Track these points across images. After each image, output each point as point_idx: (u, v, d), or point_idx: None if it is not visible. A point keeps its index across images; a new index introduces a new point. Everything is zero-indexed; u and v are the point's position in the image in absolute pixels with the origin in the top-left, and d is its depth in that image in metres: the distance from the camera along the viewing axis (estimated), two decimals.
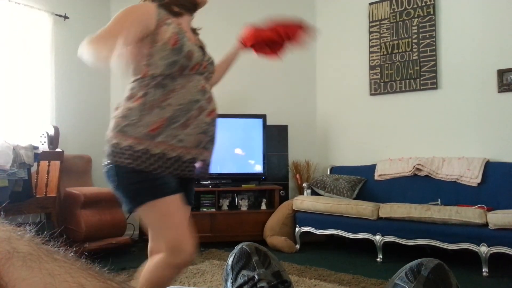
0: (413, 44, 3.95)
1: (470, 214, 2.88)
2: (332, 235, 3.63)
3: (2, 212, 2.58)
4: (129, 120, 1.33)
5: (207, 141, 1.43)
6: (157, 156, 1.31)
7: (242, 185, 4.02)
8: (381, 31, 4.17)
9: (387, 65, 4.11)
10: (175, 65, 1.35)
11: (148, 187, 1.32)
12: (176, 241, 1.34)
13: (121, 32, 1.25)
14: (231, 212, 3.93)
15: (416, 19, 3.95)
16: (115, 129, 1.34)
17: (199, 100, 1.39)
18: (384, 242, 3.22)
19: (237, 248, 1.00)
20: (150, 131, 1.31)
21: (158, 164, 1.31)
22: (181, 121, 1.34)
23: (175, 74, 1.36)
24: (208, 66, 1.50)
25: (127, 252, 3.60)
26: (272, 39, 1.65)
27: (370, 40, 4.24)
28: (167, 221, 1.35)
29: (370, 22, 4.25)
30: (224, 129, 4.08)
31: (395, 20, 4.09)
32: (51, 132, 3.45)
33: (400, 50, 4.03)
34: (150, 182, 1.32)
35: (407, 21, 4.01)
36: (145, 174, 1.31)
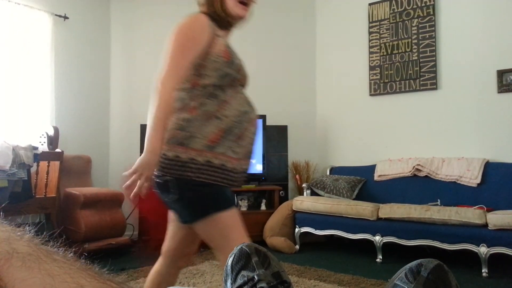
0: (413, 44, 3.95)
1: (469, 214, 2.89)
2: (331, 235, 3.63)
3: (1, 213, 2.58)
4: (187, 132, 1.31)
5: (252, 151, 1.44)
6: (217, 167, 1.31)
7: (242, 186, 4.01)
8: (381, 32, 4.17)
9: (386, 65, 4.11)
10: (226, 77, 1.37)
11: (212, 200, 1.32)
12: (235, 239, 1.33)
13: (184, 64, 1.30)
14: None
15: (416, 20, 3.96)
16: (172, 141, 1.31)
17: (248, 112, 1.40)
18: (384, 243, 3.22)
19: (236, 249, 1.00)
20: (209, 141, 1.31)
21: (219, 176, 1.31)
22: (236, 133, 1.35)
23: (225, 86, 1.37)
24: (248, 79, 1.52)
25: (126, 253, 3.60)
26: None
27: (370, 40, 4.24)
28: (229, 233, 1.34)
29: (370, 22, 4.25)
30: None
31: (395, 21, 4.09)
32: (51, 132, 3.45)
33: (400, 51, 4.03)
34: (213, 195, 1.32)
35: (407, 21, 4.02)
36: (208, 187, 1.30)
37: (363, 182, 3.95)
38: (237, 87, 1.42)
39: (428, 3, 3.89)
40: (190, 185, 1.30)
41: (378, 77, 4.17)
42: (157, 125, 1.27)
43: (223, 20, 1.44)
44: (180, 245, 1.53)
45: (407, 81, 3.99)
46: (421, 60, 3.91)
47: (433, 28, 3.85)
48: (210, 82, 1.35)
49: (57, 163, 3.32)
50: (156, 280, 1.52)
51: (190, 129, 1.31)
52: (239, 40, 5.31)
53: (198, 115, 1.32)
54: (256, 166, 4.13)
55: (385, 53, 4.13)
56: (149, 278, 1.54)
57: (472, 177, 3.37)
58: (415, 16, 3.96)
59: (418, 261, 0.83)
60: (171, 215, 1.50)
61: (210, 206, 1.32)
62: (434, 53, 3.83)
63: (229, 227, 1.34)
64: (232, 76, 1.38)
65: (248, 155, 1.42)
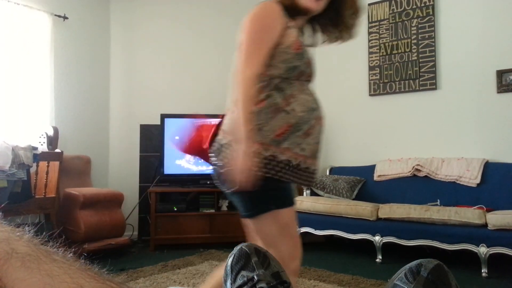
0: (413, 44, 3.96)
1: (469, 214, 2.89)
2: (331, 235, 3.63)
3: (1, 213, 2.57)
4: (254, 125, 1.26)
5: (319, 150, 1.41)
6: (283, 163, 1.28)
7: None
8: (381, 32, 4.17)
9: (386, 65, 4.12)
10: (295, 70, 1.32)
11: (274, 196, 1.29)
12: (292, 251, 1.33)
13: (261, 53, 1.26)
14: (231, 213, 3.92)
15: (416, 20, 3.96)
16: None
17: (315, 109, 1.36)
18: (384, 243, 3.22)
19: (236, 249, 1.00)
20: (276, 136, 1.27)
21: (283, 171, 1.28)
22: (304, 129, 1.31)
23: (291, 79, 1.33)
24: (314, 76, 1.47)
25: (126, 253, 3.60)
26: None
27: (369, 40, 4.24)
28: (286, 231, 1.32)
29: (369, 22, 4.25)
30: None
31: (394, 21, 4.09)
32: (50, 132, 3.45)
33: (400, 51, 4.03)
34: (275, 190, 1.29)
35: (406, 21, 4.02)
36: (271, 182, 1.27)
37: (362, 182, 3.95)
38: (303, 82, 1.38)
39: (427, 3, 3.89)
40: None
41: (378, 77, 4.17)
42: (247, 119, 1.23)
43: (294, 10, 1.39)
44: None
45: (406, 81, 3.99)
46: (420, 60, 3.91)
47: (433, 28, 3.85)
48: (277, 73, 1.31)
49: (57, 163, 3.32)
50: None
51: (258, 122, 1.27)
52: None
53: (265, 108, 1.29)
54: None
55: (384, 53, 4.13)
56: None
57: (471, 177, 3.37)
58: (415, 16, 3.96)
59: (418, 261, 0.83)
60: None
61: (271, 202, 1.29)
62: (433, 53, 3.83)
63: (287, 226, 1.32)
64: (301, 70, 1.34)
65: (315, 154, 1.38)
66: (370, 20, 4.25)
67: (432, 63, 3.84)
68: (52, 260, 0.38)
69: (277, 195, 1.30)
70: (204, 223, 3.83)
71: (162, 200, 3.93)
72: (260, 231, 1.36)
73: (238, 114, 1.25)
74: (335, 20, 1.50)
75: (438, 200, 3.39)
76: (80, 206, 3.34)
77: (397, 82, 4.04)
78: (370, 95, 4.23)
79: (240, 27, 1.36)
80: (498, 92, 3.50)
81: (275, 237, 1.33)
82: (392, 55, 4.08)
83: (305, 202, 3.69)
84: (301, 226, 3.68)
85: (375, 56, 4.19)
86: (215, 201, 3.90)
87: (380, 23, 4.18)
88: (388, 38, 4.12)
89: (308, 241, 3.82)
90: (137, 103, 4.46)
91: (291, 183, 1.32)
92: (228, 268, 0.96)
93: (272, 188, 1.28)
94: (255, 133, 1.25)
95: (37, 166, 3.29)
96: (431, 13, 3.87)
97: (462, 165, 3.47)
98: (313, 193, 3.96)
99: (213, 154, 1.36)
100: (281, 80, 1.32)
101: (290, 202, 1.32)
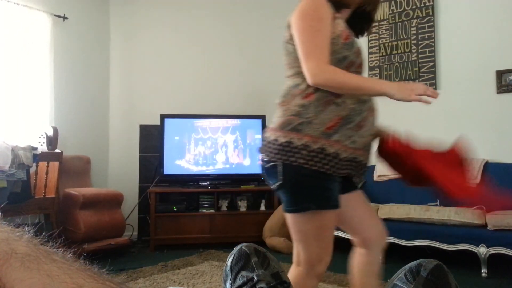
0: (412, 45, 3.96)
1: (469, 215, 2.89)
2: None
3: (0, 213, 2.58)
4: (303, 118, 1.26)
5: (371, 142, 1.39)
6: (331, 155, 1.25)
7: (241, 186, 4.02)
8: (380, 32, 4.17)
9: (386, 66, 4.12)
10: (345, 60, 1.30)
11: (316, 195, 1.27)
12: (321, 253, 1.31)
13: (320, 43, 1.25)
14: (230, 213, 3.93)
15: (415, 20, 3.96)
16: (287, 127, 1.27)
17: (366, 101, 1.34)
18: None
19: (236, 249, 1.00)
20: (326, 129, 1.25)
21: (331, 164, 1.25)
22: (356, 122, 1.29)
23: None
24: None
25: (126, 253, 3.60)
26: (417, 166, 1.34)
27: (369, 41, 4.24)
28: (320, 233, 1.30)
29: None
30: (223, 130, 4.08)
31: (394, 21, 4.09)
32: (50, 133, 3.45)
33: (399, 51, 4.04)
34: (319, 189, 1.27)
35: (406, 22, 4.02)
36: (316, 178, 1.25)
37: (362, 183, 3.94)
38: (353, 72, 1.34)
39: (427, 4, 3.90)
40: (298, 173, 1.25)
41: (378, 77, 4.17)
42: (358, 85, 1.24)
43: (339, 2, 1.38)
44: (363, 226, 1.50)
45: (406, 82, 3.98)
46: (420, 60, 3.91)
47: (432, 29, 3.85)
48: None
49: (57, 163, 3.32)
50: (366, 272, 1.49)
51: (307, 115, 1.26)
52: (239, 41, 5.33)
53: (314, 101, 1.27)
54: (256, 167, 4.13)
55: (384, 54, 4.13)
56: (356, 271, 1.50)
57: (471, 177, 3.37)
58: (414, 17, 3.96)
59: (418, 261, 0.83)
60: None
61: (313, 200, 1.26)
62: (433, 54, 3.83)
63: (323, 228, 1.30)
64: (350, 59, 1.31)
65: (367, 147, 1.36)
66: None
67: (432, 63, 3.84)
68: (51, 260, 0.38)
69: (319, 194, 1.27)
70: (204, 223, 3.83)
71: (162, 200, 3.93)
72: (293, 226, 1.33)
73: (362, 91, 1.26)
74: (364, 14, 1.50)
75: (438, 200, 3.39)
76: (79, 206, 3.34)
77: None
78: None
79: (289, 25, 1.34)
80: (498, 92, 3.50)
81: (308, 237, 1.31)
82: (392, 55, 4.08)
83: None
84: None
85: (375, 57, 4.19)
86: (215, 201, 3.90)
87: (380, 23, 4.18)
88: (387, 38, 4.12)
89: None
90: (137, 103, 4.46)
91: (337, 181, 1.29)
92: (228, 268, 0.96)
93: (316, 186, 1.26)
94: (304, 126, 1.25)
95: (37, 166, 3.29)
96: (431, 13, 3.87)
97: None
98: None
99: (261, 151, 1.36)
100: None
101: (332, 204, 1.29)
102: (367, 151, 1.38)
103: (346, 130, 1.27)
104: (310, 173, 1.24)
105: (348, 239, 3.43)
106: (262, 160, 1.34)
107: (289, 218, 1.32)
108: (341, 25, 1.31)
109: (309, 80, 1.24)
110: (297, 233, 1.33)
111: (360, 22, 1.49)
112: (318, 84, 1.24)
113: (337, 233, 3.47)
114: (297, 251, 1.38)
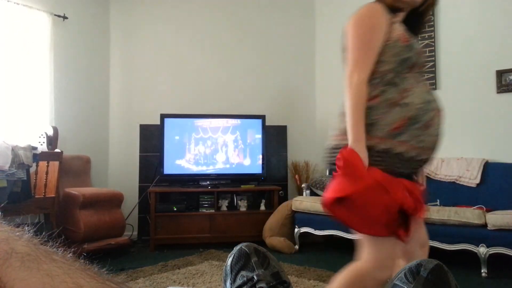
0: None
1: (469, 214, 2.89)
2: (331, 236, 3.63)
3: (0, 213, 2.58)
4: (370, 120, 1.29)
5: (440, 142, 1.40)
6: (397, 156, 1.28)
7: (241, 186, 4.02)
8: None
9: None
10: (407, 62, 1.34)
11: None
12: (391, 259, 1.31)
13: (370, 54, 1.30)
14: (230, 212, 3.93)
15: None
16: None
17: (431, 101, 1.36)
18: None
19: (236, 249, 1.00)
20: (392, 129, 1.29)
21: (397, 164, 1.28)
22: (423, 121, 1.31)
23: (404, 72, 1.35)
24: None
25: (126, 253, 3.60)
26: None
27: None
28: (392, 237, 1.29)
29: None
30: (223, 130, 4.08)
31: None
32: (50, 132, 3.45)
33: None
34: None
35: None
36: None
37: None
38: (417, 74, 1.38)
39: None
40: None
41: None
42: (355, 123, 1.27)
43: (396, 6, 1.41)
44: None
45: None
46: None
47: (432, 29, 3.85)
48: (389, 68, 1.33)
49: (56, 163, 3.32)
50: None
51: (373, 117, 1.29)
52: (239, 41, 5.33)
53: (380, 103, 1.31)
54: (256, 167, 4.13)
55: None
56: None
57: (471, 177, 3.37)
58: None
59: (418, 261, 0.83)
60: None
61: None
62: (433, 53, 3.83)
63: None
64: (412, 61, 1.35)
65: (434, 146, 1.37)
66: None
67: (432, 63, 3.83)
68: (51, 260, 0.38)
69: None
70: (204, 223, 3.83)
71: (162, 200, 3.93)
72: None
73: (347, 118, 1.29)
74: (418, 14, 1.53)
75: (438, 200, 3.39)
76: (79, 206, 3.34)
77: None
78: None
79: (344, 31, 1.38)
80: (498, 92, 3.50)
81: (378, 240, 1.30)
82: None
83: (305, 202, 3.69)
84: (301, 226, 3.68)
85: None
86: (215, 201, 3.90)
87: None
88: None
89: (308, 241, 3.82)
90: (137, 103, 4.46)
91: (404, 173, 1.30)
92: (228, 268, 0.96)
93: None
94: (371, 128, 1.29)
95: (37, 166, 3.29)
96: (430, 13, 3.87)
97: (461, 165, 3.47)
98: (313, 193, 3.96)
99: (327, 156, 1.40)
100: (395, 75, 1.34)
101: None
102: (434, 150, 1.39)
103: (413, 130, 1.30)
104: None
105: (348, 239, 3.44)
106: (329, 163, 1.38)
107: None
108: (398, 29, 1.35)
109: (346, 82, 1.31)
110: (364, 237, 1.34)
111: (415, 22, 1.53)
112: (347, 91, 1.30)
113: (337, 233, 3.47)
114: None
